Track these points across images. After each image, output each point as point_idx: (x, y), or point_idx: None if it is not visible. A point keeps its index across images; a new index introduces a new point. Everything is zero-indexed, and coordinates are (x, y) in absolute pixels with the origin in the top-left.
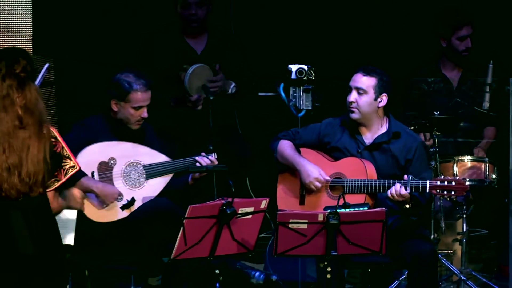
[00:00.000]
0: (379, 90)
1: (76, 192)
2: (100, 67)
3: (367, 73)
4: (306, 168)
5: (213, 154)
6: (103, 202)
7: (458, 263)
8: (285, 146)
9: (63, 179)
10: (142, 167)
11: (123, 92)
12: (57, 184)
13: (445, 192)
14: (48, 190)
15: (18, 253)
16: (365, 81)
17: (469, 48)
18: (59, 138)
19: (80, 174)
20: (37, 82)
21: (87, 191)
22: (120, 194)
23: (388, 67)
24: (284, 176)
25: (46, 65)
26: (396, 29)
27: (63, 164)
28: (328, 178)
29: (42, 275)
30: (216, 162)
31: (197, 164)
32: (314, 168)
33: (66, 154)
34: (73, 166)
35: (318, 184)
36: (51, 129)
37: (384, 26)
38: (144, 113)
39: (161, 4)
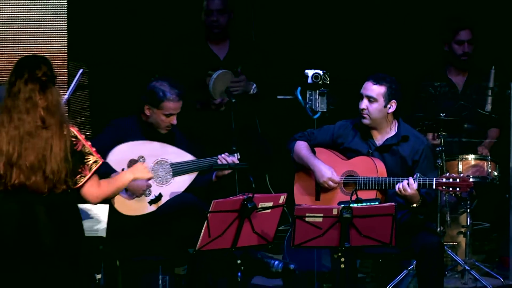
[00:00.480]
0: (388, 98)
1: (136, 169)
2: (130, 72)
3: (377, 81)
4: (320, 168)
5: (235, 154)
6: (132, 194)
7: (463, 254)
8: (301, 147)
9: (89, 174)
10: (169, 165)
11: (156, 99)
12: (84, 179)
13: (451, 189)
14: (77, 186)
15: (41, 246)
16: (375, 90)
17: (467, 52)
18: (79, 136)
19: (104, 166)
20: (72, 86)
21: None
22: (149, 186)
23: (398, 72)
24: (300, 174)
25: (80, 70)
26: (405, 36)
27: (85, 160)
28: (339, 178)
29: (62, 267)
30: (237, 162)
31: (220, 162)
32: (328, 169)
33: (88, 151)
34: (96, 161)
35: (332, 184)
36: (71, 128)
37: (394, 33)
38: (174, 120)
39: (187, 12)
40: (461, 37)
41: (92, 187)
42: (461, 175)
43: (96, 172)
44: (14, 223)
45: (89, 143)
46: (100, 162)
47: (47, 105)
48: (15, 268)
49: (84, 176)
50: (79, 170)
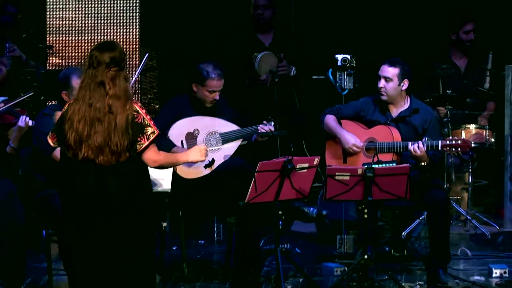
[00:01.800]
0: (401, 77)
1: (192, 152)
2: (191, 56)
3: (392, 64)
4: (345, 137)
5: (271, 122)
6: (189, 165)
7: (465, 206)
8: (330, 120)
9: (146, 143)
10: (219, 135)
11: (202, 78)
12: (142, 146)
13: (453, 149)
14: (137, 152)
15: (110, 209)
16: (390, 71)
17: (472, 40)
18: (140, 111)
19: (165, 141)
20: (139, 68)
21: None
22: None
23: (411, 57)
24: (330, 142)
25: (147, 55)
26: (417, 27)
27: (144, 131)
28: (361, 144)
29: (133, 225)
30: (273, 129)
31: (260, 131)
32: (351, 137)
33: (147, 123)
34: (153, 132)
35: (355, 149)
36: (134, 104)
37: (408, 24)
38: (217, 96)
39: (238, 6)
40: (468, 28)
41: (151, 154)
42: (462, 138)
43: (154, 141)
44: (88, 189)
45: (149, 116)
46: (157, 133)
47: (115, 93)
48: (89, 228)
49: (142, 144)
50: (138, 139)
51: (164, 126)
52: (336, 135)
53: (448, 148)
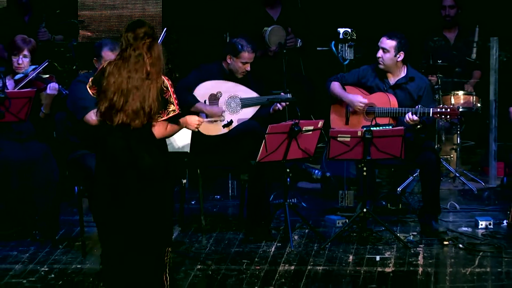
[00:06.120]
0: (397, 50)
1: (189, 118)
2: (207, 30)
3: (390, 37)
4: (350, 99)
5: (288, 94)
6: (210, 117)
7: (454, 165)
8: (335, 86)
9: (165, 117)
10: (239, 99)
11: (237, 50)
12: (160, 120)
13: (443, 116)
14: (153, 122)
15: (138, 163)
16: (388, 43)
17: (448, 15)
18: (170, 89)
19: (192, 97)
20: (159, 41)
21: (200, 112)
22: (223, 112)
23: (407, 30)
24: (335, 106)
25: (165, 29)
26: (412, 4)
27: (167, 107)
28: (366, 101)
29: (156, 181)
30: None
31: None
32: (356, 97)
33: (172, 101)
34: (174, 110)
35: (362, 105)
36: (166, 80)
37: (405, 0)
38: (248, 67)
39: None
40: (445, 3)
41: (160, 128)
42: (451, 106)
43: (170, 120)
44: (120, 151)
45: (175, 96)
46: (176, 112)
47: (152, 61)
48: (118, 184)
49: (161, 117)
50: (160, 112)
51: (191, 85)
52: (342, 99)
53: (438, 115)
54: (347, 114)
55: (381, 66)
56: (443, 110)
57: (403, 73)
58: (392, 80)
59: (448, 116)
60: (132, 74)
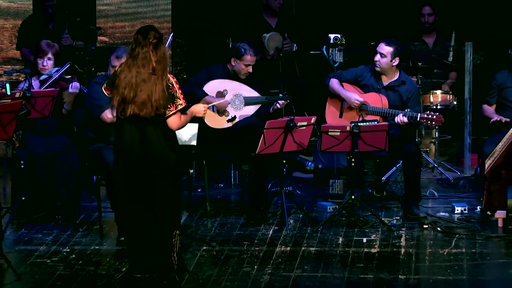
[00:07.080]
0: (394, 55)
1: (194, 107)
2: (213, 35)
3: (388, 43)
4: (348, 95)
5: (287, 95)
6: (218, 110)
7: (433, 156)
8: (334, 82)
9: (174, 110)
10: (243, 97)
11: (240, 54)
12: (170, 112)
13: (429, 122)
14: (166, 115)
15: (151, 154)
16: (386, 49)
17: (427, 22)
18: (175, 85)
19: (186, 108)
20: (167, 44)
21: (209, 104)
22: (229, 103)
23: (390, 35)
24: (332, 99)
25: (171, 34)
26: (395, 11)
27: (175, 101)
28: (362, 99)
29: (167, 171)
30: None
31: (278, 106)
32: (353, 94)
33: (178, 96)
34: (181, 104)
35: (358, 102)
36: (170, 77)
37: (389, 9)
38: (250, 69)
39: None
40: (424, 11)
41: (175, 119)
42: (437, 113)
43: (179, 111)
44: (135, 139)
45: (180, 91)
46: (184, 105)
47: (157, 58)
48: (132, 172)
49: (171, 111)
50: (169, 106)
51: (200, 82)
52: (340, 94)
53: (425, 120)
54: (341, 108)
55: (377, 69)
56: (430, 116)
57: (396, 76)
58: (386, 81)
59: (433, 123)
60: (140, 69)
